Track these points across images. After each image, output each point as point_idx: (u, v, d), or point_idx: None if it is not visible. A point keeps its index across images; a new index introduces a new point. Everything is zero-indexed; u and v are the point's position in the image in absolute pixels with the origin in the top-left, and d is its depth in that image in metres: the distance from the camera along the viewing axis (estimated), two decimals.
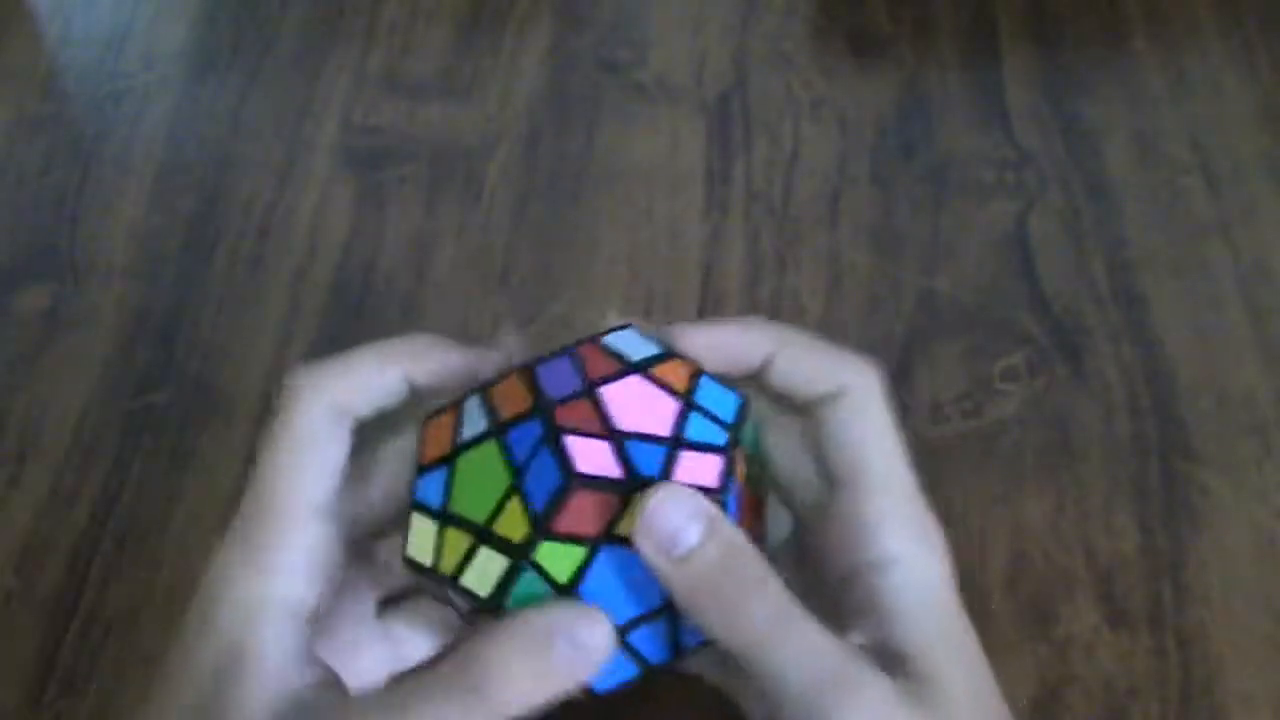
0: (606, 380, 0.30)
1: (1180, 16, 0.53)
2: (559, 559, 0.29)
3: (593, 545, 0.29)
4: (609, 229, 0.48)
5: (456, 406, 0.31)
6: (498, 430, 0.30)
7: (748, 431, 0.32)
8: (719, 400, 0.31)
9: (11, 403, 0.45)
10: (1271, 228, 0.46)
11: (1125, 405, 0.42)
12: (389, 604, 0.35)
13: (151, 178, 0.51)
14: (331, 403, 0.31)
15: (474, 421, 0.31)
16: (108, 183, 0.51)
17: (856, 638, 0.30)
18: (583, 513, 0.29)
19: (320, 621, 0.31)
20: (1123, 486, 0.41)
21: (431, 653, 0.34)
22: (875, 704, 0.28)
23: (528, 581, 0.29)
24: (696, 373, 0.31)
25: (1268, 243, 0.46)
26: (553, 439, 0.29)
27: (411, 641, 0.34)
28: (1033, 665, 0.37)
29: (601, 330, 0.32)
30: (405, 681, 0.28)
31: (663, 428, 0.30)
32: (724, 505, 0.29)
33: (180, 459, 0.43)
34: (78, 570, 0.41)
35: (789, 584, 0.29)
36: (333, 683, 0.30)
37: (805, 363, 0.32)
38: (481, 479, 0.30)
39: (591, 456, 0.29)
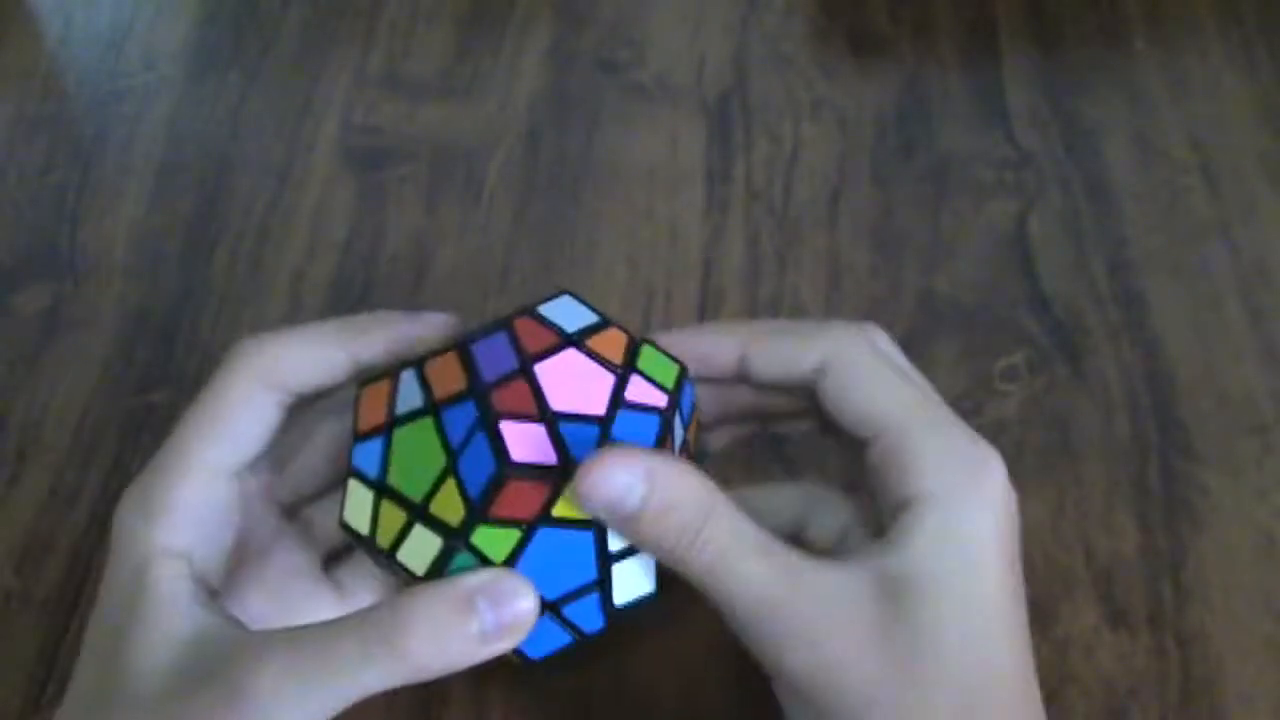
0: (542, 356, 0.30)
1: (1180, 16, 0.53)
2: (495, 542, 0.29)
3: (528, 527, 0.29)
4: (609, 229, 0.48)
5: (393, 377, 0.32)
6: (434, 408, 0.30)
7: (687, 402, 0.32)
8: (659, 367, 0.32)
9: (11, 403, 0.45)
10: (1271, 228, 0.46)
11: (1125, 405, 0.42)
12: (336, 560, 0.35)
13: (151, 178, 0.51)
14: (262, 375, 0.32)
15: (410, 396, 0.31)
16: (108, 183, 0.51)
17: (862, 555, 0.30)
18: (518, 499, 0.29)
19: (230, 575, 0.32)
20: (1123, 486, 0.41)
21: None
22: (812, 630, 0.28)
23: (463, 560, 0.30)
24: (633, 343, 0.32)
25: (1268, 243, 0.46)
26: (489, 424, 0.29)
27: (360, 596, 0.35)
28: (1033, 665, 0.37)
29: (538, 300, 0.32)
30: (321, 627, 0.29)
31: (598, 406, 0.30)
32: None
33: None
34: (78, 570, 0.41)
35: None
36: (234, 624, 0.30)
37: (778, 349, 0.32)
38: (418, 456, 0.30)
39: (526, 442, 0.29)
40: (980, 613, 0.29)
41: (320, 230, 0.49)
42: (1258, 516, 0.40)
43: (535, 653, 0.31)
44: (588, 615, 0.31)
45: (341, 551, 0.35)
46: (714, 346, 0.33)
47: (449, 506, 0.30)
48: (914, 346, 0.44)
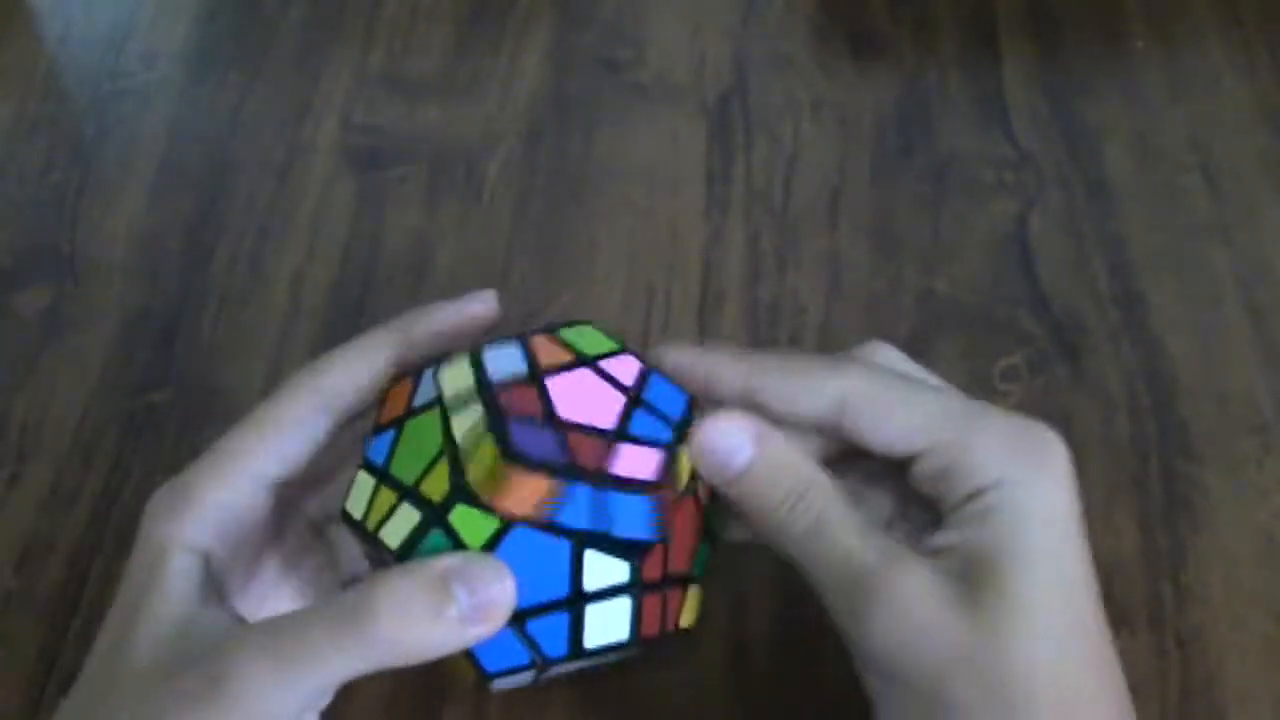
0: (555, 371, 0.31)
1: (1180, 16, 0.53)
2: (472, 525, 0.29)
3: (507, 520, 0.29)
4: (609, 229, 0.48)
5: (415, 376, 0.32)
6: (442, 404, 0.31)
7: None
8: (668, 398, 0.32)
9: (11, 403, 0.45)
10: (1271, 228, 0.46)
11: (1125, 405, 0.42)
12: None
13: (151, 178, 0.51)
14: (320, 397, 0.33)
15: (426, 392, 0.31)
16: (108, 183, 0.51)
17: (939, 538, 0.30)
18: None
19: (253, 581, 0.33)
20: (1123, 486, 0.41)
21: None
22: (901, 597, 0.29)
23: (435, 539, 0.29)
24: (647, 370, 0.32)
25: (1268, 243, 0.46)
26: (494, 419, 0.29)
27: None
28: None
29: (560, 323, 0.33)
30: (297, 614, 0.29)
31: (606, 421, 0.30)
32: (665, 502, 0.30)
33: (180, 459, 0.43)
34: (78, 570, 0.41)
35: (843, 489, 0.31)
36: (231, 614, 0.31)
37: (789, 388, 0.32)
38: (420, 443, 0.31)
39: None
40: (1067, 580, 0.30)
41: (320, 230, 0.49)
42: (1258, 516, 0.40)
43: (492, 665, 0.30)
44: (552, 638, 0.30)
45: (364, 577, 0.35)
46: (718, 375, 0.33)
47: (437, 484, 0.30)
48: (914, 346, 0.44)
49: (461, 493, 0.29)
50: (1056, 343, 0.44)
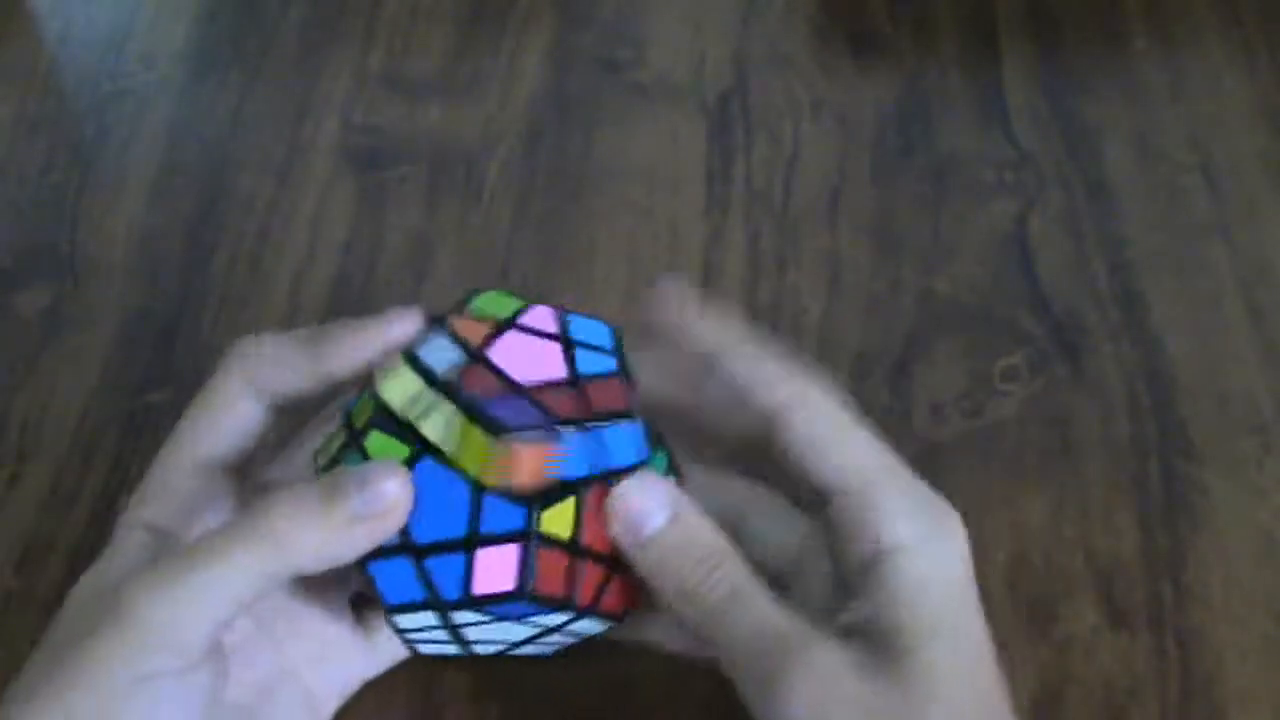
0: (488, 343, 0.31)
1: (1180, 16, 0.53)
2: (383, 449, 0.30)
3: (417, 451, 0.30)
4: (609, 228, 0.48)
5: (361, 391, 0.33)
6: (394, 413, 0.31)
7: (625, 355, 0.33)
8: (593, 332, 0.33)
9: (11, 403, 0.45)
10: (1271, 228, 0.46)
11: (1125, 405, 0.42)
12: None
13: (151, 178, 0.51)
14: (249, 377, 0.33)
15: (366, 411, 0.32)
16: (108, 183, 0.51)
17: (848, 616, 0.30)
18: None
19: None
20: (1123, 486, 0.41)
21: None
22: (819, 669, 0.29)
23: (352, 460, 0.31)
24: (560, 313, 0.33)
25: (1268, 243, 0.46)
26: (466, 403, 0.30)
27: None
28: (1033, 665, 0.37)
29: (458, 301, 0.33)
30: (207, 533, 0.30)
31: (558, 371, 0.31)
32: (645, 423, 0.31)
33: None
34: (78, 570, 0.41)
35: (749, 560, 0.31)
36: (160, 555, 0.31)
37: (758, 371, 0.32)
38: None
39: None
40: (972, 651, 0.30)
41: (320, 230, 0.49)
42: (1258, 516, 0.40)
43: (390, 597, 0.31)
44: (447, 578, 0.30)
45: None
46: (691, 332, 0.33)
47: (364, 412, 0.31)
48: (914, 346, 0.44)
49: (375, 422, 0.31)
50: (1056, 343, 0.44)
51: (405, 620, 0.31)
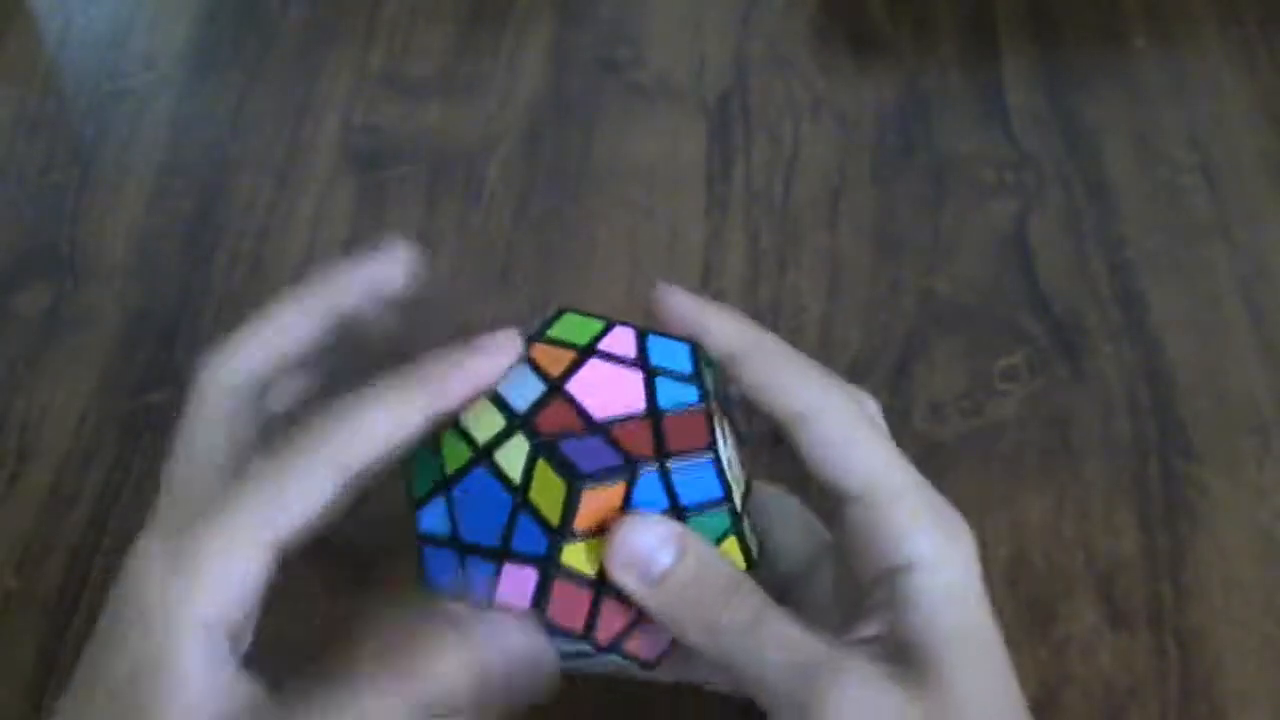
0: (568, 375, 0.31)
1: (1180, 16, 0.53)
2: (451, 450, 0.31)
3: (475, 458, 0.30)
4: (609, 228, 0.48)
5: (434, 441, 0.31)
6: (486, 452, 0.31)
7: (708, 375, 0.32)
8: (673, 355, 0.32)
9: (11, 403, 0.45)
10: (1271, 228, 0.46)
11: (1125, 405, 0.42)
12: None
13: (151, 178, 0.51)
14: (228, 384, 0.33)
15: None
16: (108, 183, 0.51)
17: (866, 630, 0.30)
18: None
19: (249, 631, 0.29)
20: (1123, 486, 0.41)
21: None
22: (856, 685, 0.28)
23: (424, 455, 0.31)
24: (641, 335, 0.32)
25: (1268, 243, 0.46)
26: (541, 443, 0.29)
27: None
28: (1032, 665, 0.37)
29: (540, 325, 0.33)
30: (331, 683, 0.28)
31: (636, 404, 0.31)
32: (718, 459, 0.30)
33: None
34: (78, 570, 0.41)
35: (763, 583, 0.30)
36: (262, 700, 0.28)
37: (775, 375, 0.32)
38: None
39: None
40: (993, 661, 0.30)
41: (320, 230, 0.49)
42: (1258, 516, 0.40)
43: (434, 574, 0.31)
44: (479, 581, 0.30)
45: None
46: (709, 328, 0.32)
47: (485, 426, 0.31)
48: (914, 346, 0.44)
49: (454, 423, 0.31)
50: (1056, 343, 0.44)
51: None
